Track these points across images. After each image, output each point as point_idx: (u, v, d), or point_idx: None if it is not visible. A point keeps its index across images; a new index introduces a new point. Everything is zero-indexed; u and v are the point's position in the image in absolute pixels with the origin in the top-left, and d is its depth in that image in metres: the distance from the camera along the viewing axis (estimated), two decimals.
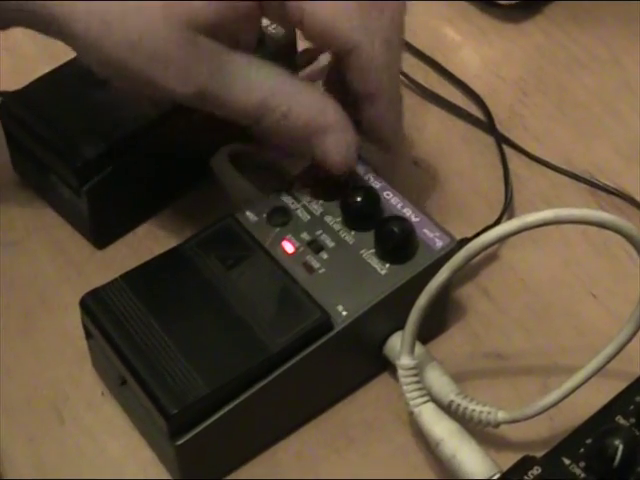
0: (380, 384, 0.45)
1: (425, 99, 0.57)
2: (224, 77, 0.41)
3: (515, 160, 0.54)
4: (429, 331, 0.45)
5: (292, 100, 0.42)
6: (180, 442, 0.39)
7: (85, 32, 0.40)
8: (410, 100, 0.57)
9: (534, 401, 0.40)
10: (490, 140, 0.55)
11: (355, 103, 0.44)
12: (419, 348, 0.42)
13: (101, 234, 0.50)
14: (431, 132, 0.56)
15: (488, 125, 0.55)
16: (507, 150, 0.54)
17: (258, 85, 0.42)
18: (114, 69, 0.42)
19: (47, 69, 0.52)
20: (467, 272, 0.48)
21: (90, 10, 0.40)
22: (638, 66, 0.58)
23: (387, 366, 0.44)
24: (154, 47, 0.40)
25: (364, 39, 0.41)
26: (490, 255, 0.49)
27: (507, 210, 0.50)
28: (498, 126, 0.55)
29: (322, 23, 0.41)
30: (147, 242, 0.50)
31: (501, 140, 0.54)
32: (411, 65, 0.59)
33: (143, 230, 0.51)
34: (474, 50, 0.61)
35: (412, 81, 0.57)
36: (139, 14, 0.40)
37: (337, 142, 0.43)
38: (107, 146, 0.48)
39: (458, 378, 0.43)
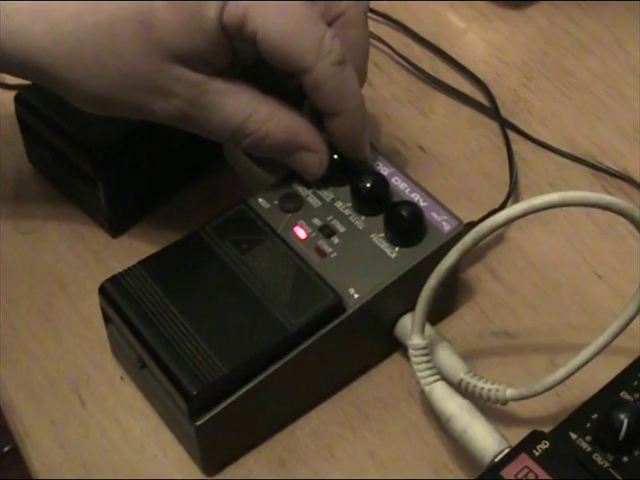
0: (392, 364, 0.46)
1: (431, 86, 0.58)
2: (203, 105, 0.43)
3: (520, 144, 0.55)
4: (439, 311, 0.46)
5: (268, 124, 0.44)
6: (200, 422, 0.40)
7: (68, 77, 0.43)
8: (416, 87, 0.58)
9: (542, 378, 0.41)
10: (495, 125, 0.56)
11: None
12: (429, 328, 0.43)
13: (117, 222, 0.51)
14: (437, 118, 0.57)
15: (493, 110, 0.56)
16: (512, 134, 0.55)
17: (235, 112, 0.44)
18: (99, 105, 0.44)
19: None
20: (476, 254, 0.49)
21: (70, 57, 0.42)
22: None
23: (398, 347, 0.45)
24: (137, 82, 0.43)
25: (314, 61, 0.42)
26: (498, 237, 0.50)
27: (512, 193, 0.51)
28: (503, 110, 0.56)
29: (275, 47, 0.42)
30: (161, 228, 0.52)
31: (505, 125, 0.55)
32: (417, 52, 0.60)
33: (157, 217, 0.52)
34: (478, 36, 0.61)
35: (418, 68, 0.58)
36: (119, 55, 0.42)
37: (310, 160, 0.45)
38: (122, 135, 0.49)
39: (468, 357, 0.44)
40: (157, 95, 0.43)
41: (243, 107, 0.44)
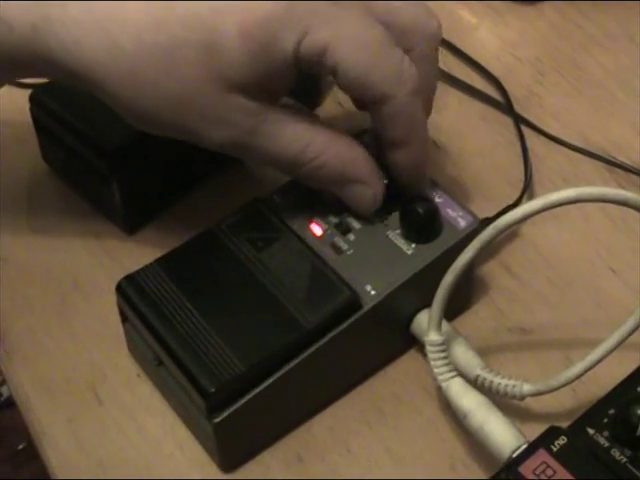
0: (408, 360, 0.46)
1: (443, 81, 0.58)
2: (261, 134, 0.42)
3: (533, 139, 0.55)
4: (455, 308, 0.46)
5: (325, 154, 0.43)
6: (218, 419, 0.40)
7: (121, 95, 0.42)
8: None
9: (557, 373, 0.41)
10: (508, 120, 0.56)
11: (383, 147, 0.45)
12: (445, 325, 0.43)
13: (132, 220, 0.51)
14: (450, 114, 0.57)
15: (506, 106, 0.56)
16: (525, 129, 0.55)
17: (292, 141, 0.43)
18: (147, 124, 0.43)
19: None
20: (490, 250, 0.49)
21: (125, 76, 0.41)
22: None
23: (414, 343, 0.46)
24: (193, 108, 0.41)
25: (394, 90, 0.42)
26: (511, 233, 0.50)
27: (527, 189, 0.51)
28: (516, 106, 0.56)
29: (356, 75, 0.41)
30: (176, 227, 0.52)
31: (519, 120, 0.55)
32: None
33: (171, 215, 0.52)
34: (490, 31, 0.61)
35: None
36: (177, 80, 0.41)
37: (365, 193, 0.44)
38: (136, 134, 0.49)
39: (483, 353, 0.44)
40: (212, 123, 0.42)
41: (300, 136, 0.42)
